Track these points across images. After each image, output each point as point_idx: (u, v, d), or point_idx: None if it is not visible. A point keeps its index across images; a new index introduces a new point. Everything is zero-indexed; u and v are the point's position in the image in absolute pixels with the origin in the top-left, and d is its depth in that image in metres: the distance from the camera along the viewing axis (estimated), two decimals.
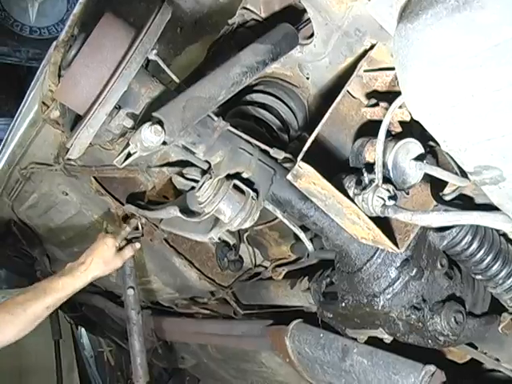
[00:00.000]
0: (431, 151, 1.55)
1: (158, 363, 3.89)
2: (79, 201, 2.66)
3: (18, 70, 8.24)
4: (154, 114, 1.38)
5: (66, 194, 2.65)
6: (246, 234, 2.22)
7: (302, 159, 1.40)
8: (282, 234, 2.13)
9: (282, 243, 2.17)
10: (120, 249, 2.34)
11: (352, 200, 1.43)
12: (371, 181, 1.41)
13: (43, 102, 2.04)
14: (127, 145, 1.41)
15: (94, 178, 2.35)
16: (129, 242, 2.40)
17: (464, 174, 1.48)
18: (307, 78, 1.81)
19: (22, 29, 7.77)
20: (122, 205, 2.35)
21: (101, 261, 2.28)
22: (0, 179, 3.03)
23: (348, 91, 1.55)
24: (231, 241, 2.30)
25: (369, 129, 1.56)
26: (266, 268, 2.36)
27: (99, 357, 7.79)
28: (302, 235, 1.77)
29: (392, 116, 1.42)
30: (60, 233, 3.16)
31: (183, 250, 2.50)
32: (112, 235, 2.34)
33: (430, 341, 1.73)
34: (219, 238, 1.69)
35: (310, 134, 1.46)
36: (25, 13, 7.86)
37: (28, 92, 2.35)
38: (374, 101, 1.55)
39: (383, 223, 1.48)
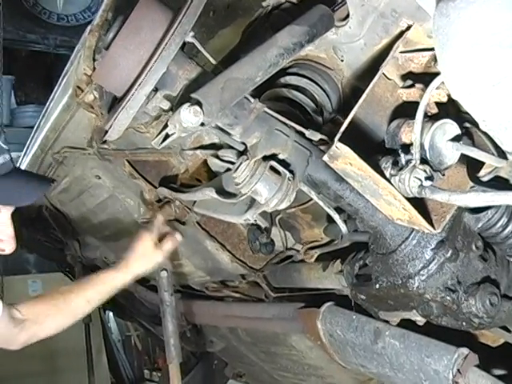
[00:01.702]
0: (467, 132, 1.54)
1: (187, 347, 3.92)
2: (112, 184, 2.68)
3: (46, 58, 8.30)
4: (193, 95, 1.39)
5: (99, 178, 2.67)
6: (278, 217, 2.23)
7: (339, 140, 1.40)
8: (314, 217, 2.13)
9: (314, 226, 2.18)
10: (160, 240, 2.31)
11: (388, 181, 1.43)
12: (408, 161, 1.41)
13: (78, 86, 2.06)
14: (165, 126, 1.43)
15: (128, 161, 2.36)
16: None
17: (501, 155, 1.48)
18: (341, 61, 1.81)
19: (50, 16, 7.82)
20: (155, 188, 2.37)
21: (140, 257, 2.26)
22: (33, 164, 3.07)
23: (383, 73, 1.55)
24: (263, 224, 2.31)
25: (404, 110, 1.56)
26: (298, 251, 2.36)
27: (127, 341, 7.89)
28: (336, 217, 1.78)
29: (429, 97, 1.42)
30: (92, 217, 3.19)
31: (215, 233, 2.51)
32: (147, 229, 2.32)
33: (464, 323, 1.73)
34: (254, 221, 1.70)
35: (343, 117, 1.47)
36: (52, 0, 7.91)
37: (61, 77, 2.37)
38: (409, 82, 1.54)
39: (419, 204, 1.48)
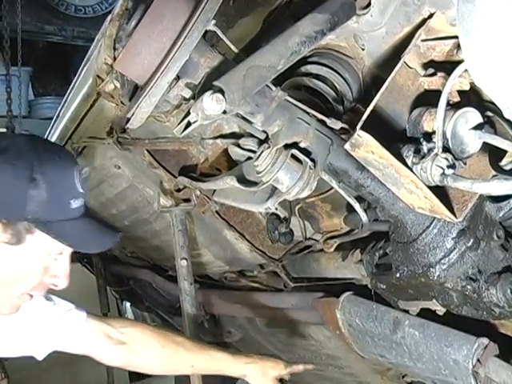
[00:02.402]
0: (489, 121, 1.54)
1: (204, 337, 3.93)
2: (131, 174, 2.69)
3: (63, 49, 8.31)
4: (215, 82, 1.39)
5: (119, 168, 2.68)
6: (297, 207, 2.23)
7: (361, 128, 1.40)
8: (334, 207, 2.14)
9: (333, 215, 2.18)
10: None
11: (410, 169, 1.43)
12: (430, 150, 1.41)
13: (98, 76, 2.07)
14: (187, 114, 1.43)
15: (147, 150, 2.37)
16: None
17: None
18: (362, 49, 1.80)
19: (67, 8, 7.82)
20: (175, 177, 2.38)
21: (260, 372, 2.19)
22: None
23: (404, 62, 1.54)
24: (282, 214, 2.31)
25: (425, 99, 1.55)
26: (317, 241, 2.37)
27: None
28: (356, 206, 1.78)
29: (451, 85, 1.42)
30: (111, 207, 3.21)
31: (234, 223, 2.52)
32: (285, 364, 2.28)
33: (484, 312, 1.73)
34: (275, 209, 1.70)
35: (364, 106, 1.47)
36: None
37: (81, 66, 2.38)
38: (431, 70, 1.54)
39: (440, 193, 1.48)
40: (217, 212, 2.46)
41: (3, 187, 1.46)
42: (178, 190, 2.42)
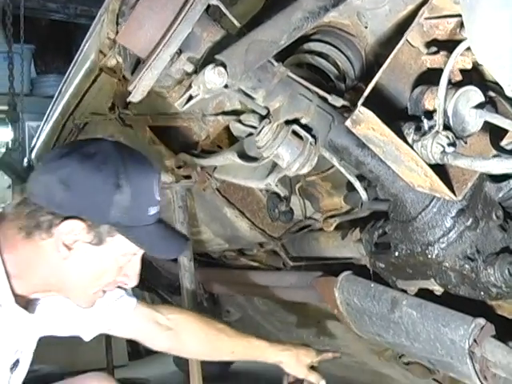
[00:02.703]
0: (491, 101, 1.54)
1: None
2: None
3: (66, 27, 8.30)
4: (217, 56, 1.40)
5: None
6: (298, 185, 2.23)
7: (362, 104, 1.40)
8: (334, 185, 2.14)
9: (333, 194, 2.18)
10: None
11: (411, 146, 1.44)
12: (431, 127, 1.41)
13: (100, 51, 2.07)
14: (189, 87, 1.43)
15: (149, 127, 2.37)
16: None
17: None
18: (365, 27, 1.80)
19: None
20: (176, 154, 2.38)
21: (295, 358, 2.22)
22: (54, 130, 3.09)
23: (407, 40, 1.54)
24: (282, 192, 2.32)
25: (428, 78, 1.55)
26: (317, 220, 2.37)
27: None
28: (357, 184, 1.78)
29: (453, 63, 1.42)
30: None
31: (234, 200, 2.52)
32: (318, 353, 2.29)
33: (482, 292, 1.74)
34: (276, 185, 1.71)
35: (366, 85, 1.46)
36: None
37: (84, 41, 2.38)
38: (434, 49, 1.54)
39: (440, 171, 1.48)
40: (217, 189, 2.46)
41: (90, 191, 1.54)
42: (179, 167, 2.42)
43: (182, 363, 3.78)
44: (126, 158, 1.58)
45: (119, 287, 1.76)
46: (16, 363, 1.80)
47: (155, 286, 4.64)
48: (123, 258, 1.64)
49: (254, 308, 3.30)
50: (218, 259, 3.23)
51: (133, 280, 1.70)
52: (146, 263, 4.04)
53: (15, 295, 1.62)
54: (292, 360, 2.21)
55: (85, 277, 1.64)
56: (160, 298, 5.44)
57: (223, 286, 3.29)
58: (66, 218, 1.54)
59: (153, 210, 1.62)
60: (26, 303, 1.69)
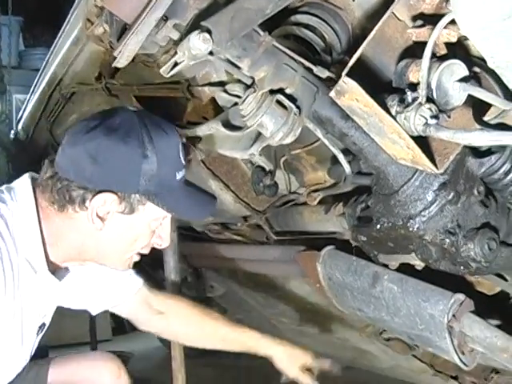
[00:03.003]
0: (475, 76, 1.54)
1: (187, 292, 3.96)
2: None
3: (55, 0, 8.22)
4: (203, 22, 1.40)
5: None
6: (283, 159, 2.24)
7: (347, 75, 1.41)
8: (318, 159, 2.14)
9: (318, 168, 2.19)
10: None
11: (394, 118, 1.44)
12: (414, 99, 1.42)
13: (88, 19, 2.05)
14: (174, 54, 1.43)
15: (135, 97, 2.37)
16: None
17: (508, 98, 1.49)
18: (353, 0, 1.80)
19: None
20: None
21: (287, 355, 2.21)
22: (40, 101, 3.08)
23: (394, 13, 1.54)
24: (267, 166, 2.32)
25: (413, 51, 1.55)
26: (301, 195, 2.37)
27: None
28: (340, 156, 1.79)
29: (438, 36, 1.42)
30: None
31: (220, 173, 2.52)
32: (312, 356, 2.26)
33: (461, 267, 1.75)
34: (260, 155, 1.71)
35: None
36: None
37: (71, 10, 2.37)
38: (420, 22, 1.54)
39: (423, 144, 1.49)
40: (202, 161, 2.46)
41: (118, 164, 1.59)
42: None
43: (165, 340, 3.80)
44: (149, 127, 1.62)
45: (153, 248, 1.80)
46: (42, 326, 1.88)
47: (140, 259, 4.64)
48: (155, 222, 1.70)
49: (238, 283, 3.31)
50: (202, 233, 3.23)
51: (166, 240, 1.78)
52: None
53: (48, 262, 1.68)
54: (284, 356, 2.21)
55: (120, 244, 1.70)
56: (144, 274, 5.46)
57: (207, 261, 3.30)
58: (98, 192, 1.59)
59: (179, 175, 1.68)
60: (55, 270, 1.74)
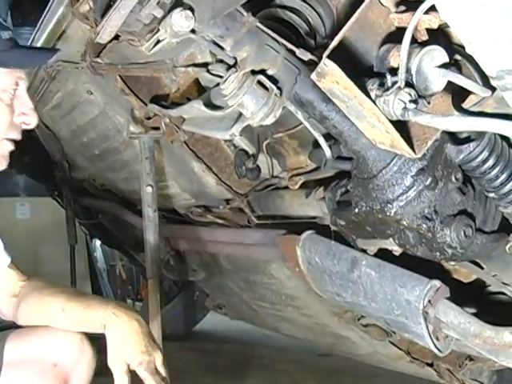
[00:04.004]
0: (455, 64, 1.56)
1: (169, 275, 3.97)
2: (103, 101, 2.69)
3: None
4: (186, 0, 1.40)
5: (91, 93, 2.68)
6: (265, 143, 2.24)
7: (328, 57, 1.41)
8: (301, 143, 2.15)
9: (300, 152, 2.19)
10: None
11: (374, 102, 1.45)
12: (394, 83, 1.43)
13: None
14: (157, 31, 1.43)
15: (120, 76, 2.36)
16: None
17: (487, 85, 1.50)
18: None
19: None
20: (146, 105, 2.38)
21: (116, 350, 1.69)
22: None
23: None
24: (250, 149, 2.33)
25: (396, 37, 1.56)
26: (283, 179, 2.39)
27: (111, 270, 7.99)
28: (321, 139, 1.80)
29: (419, 22, 1.43)
30: (82, 135, 3.21)
31: (202, 155, 2.52)
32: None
33: (438, 253, 1.77)
34: (240, 135, 1.72)
35: None
36: None
37: None
38: (403, 8, 1.55)
39: (402, 129, 1.50)
40: (185, 143, 2.47)
41: None
42: (148, 118, 2.43)
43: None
44: None
45: (25, 130, 1.71)
46: None
47: (122, 241, 4.66)
48: (5, 93, 1.62)
49: (219, 267, 3.32)
50: (185, 216, 3.24)
51: (32, 116, 1.69)
52: (114, 218, 4.07)
53: None
54: (114, 345, 1.71)
55: None
56: (128, 256, 5.47)
57: (189, 243, 3.31)
58: None
59: (5, 36, 1.62)
60: None
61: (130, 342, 1.68)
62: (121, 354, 1.68)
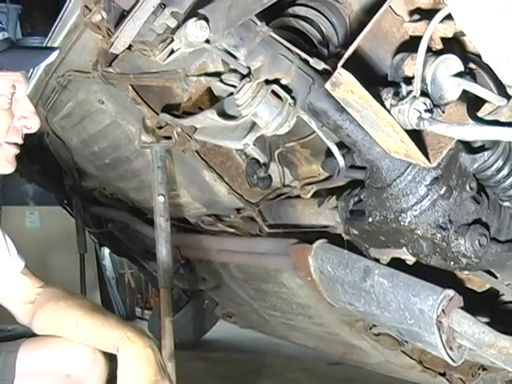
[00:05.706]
0: (470, 72, 1.55)
1: (179, 284, 3.98)
2: (114, 110, 2.69)
3: None
4: (200, 10, 1.40)
5: (102, 103, 2.68)
6: (277, 152, 2.24)
7: (342, 67, 1.41)
8: (313, 152, 2.15)
9: (312, 161, 2.19)
10: None
11: (388, 111, 1.45)
12: (409, 93, 1.42)
13: (86, 6, 2.06)
14: (171, 41, 1.43)
15: (131, 85, 2.37)
16: None
17: (502, 95, 1.50)
18: None
19: None
20: (157, 115, 2.38)
21: (128, 376, 1.68)
22: (37, 88, 3.07)
23: (391, 7, 1.54)
24: (262, 158, 2.33)
25: (409, 46, 1.56)
26: (295, 188, 2.38)
27: (120, 279, 7.98)
28: (334, 149, 1.80)
29: (434, 31, 1.43)
30: (93, 143, 3.21)
31: (214, 164, 2.52)
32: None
33: (452, 262, 1.76)
34: (253, 144, 1.71)
35: None
36: None
37: None
38: (417, 17, 1.55)
39: (417, 138, 1.50)
40: (197, 152, 2.47)
41: None
42: (160, 128, 2.43)
43: (156, 330, 3.82)
44: None
45: (26, 134, 1.70)
46: None
47: (132, 251, 4.66)
48: (3, 98, 1.61)
49: (229, 275, 3.31)
50: (195, 225, 3.24)
51: (32, 119, 1.67)
52: (124, 227, 4.07)
53: None
54: (126, 368, 1.71)
55: None
56: (137, 265, 5.46)
57: (199, 252, 3.31)
58: None
59: (1, 36, 1.62)
60: None
61: (142, 369, 1.67)
62: (131, 380, 1.67)
